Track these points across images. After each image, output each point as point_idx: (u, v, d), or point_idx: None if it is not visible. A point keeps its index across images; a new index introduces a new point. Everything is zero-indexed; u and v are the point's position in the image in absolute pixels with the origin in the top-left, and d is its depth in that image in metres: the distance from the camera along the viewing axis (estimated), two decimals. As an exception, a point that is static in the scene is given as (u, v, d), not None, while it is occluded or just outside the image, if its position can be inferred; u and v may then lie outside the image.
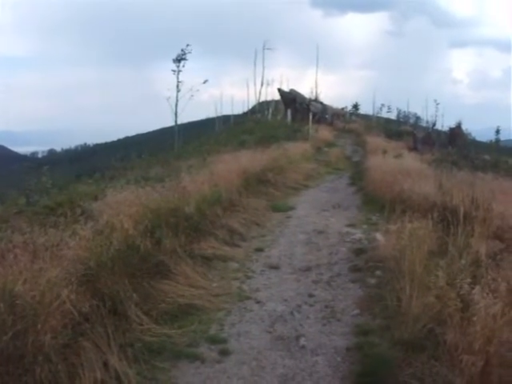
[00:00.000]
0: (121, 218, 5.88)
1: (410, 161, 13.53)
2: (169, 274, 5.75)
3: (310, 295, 5.64)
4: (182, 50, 17.04)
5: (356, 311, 5.18)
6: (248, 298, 5.57)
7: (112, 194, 7.24)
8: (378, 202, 10.05)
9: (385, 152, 14.88)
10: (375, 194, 10.72)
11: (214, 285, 5.85)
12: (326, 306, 5.33)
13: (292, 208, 10.58)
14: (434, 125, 32.17)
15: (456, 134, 26.48)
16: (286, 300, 5.51)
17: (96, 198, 7.84)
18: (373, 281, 5.91)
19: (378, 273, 6.07)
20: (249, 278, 6.23)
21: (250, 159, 12.82)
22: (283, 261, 6.91)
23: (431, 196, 8.66)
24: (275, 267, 6.62)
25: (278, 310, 5.24)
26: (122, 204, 6.72)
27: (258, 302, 5.45)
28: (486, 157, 19.38)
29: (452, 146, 23.82)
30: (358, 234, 8.01)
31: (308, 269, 6.54)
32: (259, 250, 7.40)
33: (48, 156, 74.64)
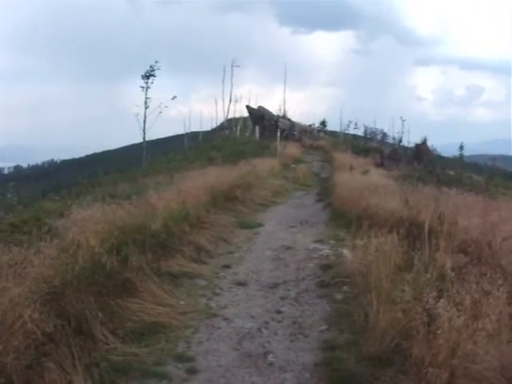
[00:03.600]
0: (86, 236, 5.80)
1: (377, 177, 13.71)
2: (135, 291, 5.68)
3: (278, 311, 5.63)
4: (151, 67, 16.99)
5: (324, 327, 5.19)
6: (215, 315, 5.53)
7: (78, 211, 7.12)
8: (346, 218, 10.13)
9: (352, 168, 15.07)
10: (342, 210, 10.80)
11: (181, 302, 5.79)
12: (294, 322, 5.32)
13: (260, 224, 10.59)
14: (401, 141, 32.67)
15: (422, 150, 26.92)
16: (253, 317, 5.48)
17: (62, 215, 7.71)
18: (340, 296, 5.94)
19: (345, 288, 6.10)
20: (216, 294, 6.19)
21: (217, 176, 12.81)
22: (251, 277, 6.89)
23: (397, 211, 8.78)
24: (243, 284, 6.59)
25: (245, 326, 5.21)
26: (88, 221, 6.64)
27: (225, 319, 5.41)
28: (451, 172, 19.74)
29: (418, 162, 24.22)
30: (326, 249, 8.06)
31: (275, 285, 6.54)
32: (227, 266, 7.37)
33: (14, 172, 73.25)
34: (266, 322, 5.32)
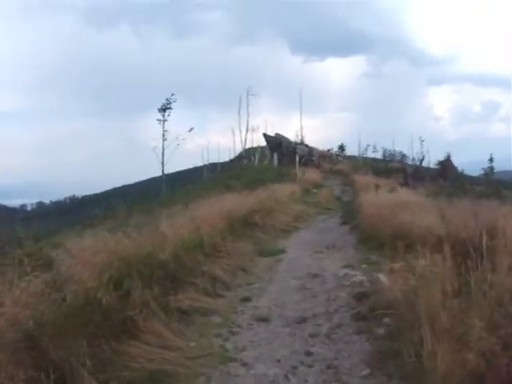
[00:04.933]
0: (79, 268, 4.96)
1: (405, 194, 12.71)
2: (137, 332, 4.78)
3: (308, 353, 4.64)
4: (167, 100, 17.17)
5: (365, 371, 4.19)
6: (232, 359, 4.57)
7: (75, 242, 6.29)
8: (376, 239, 9.17)
9: (378, 187, 14.08)
10: (371, 231, 9.82)
11: (192, 344, 4.86)
12: (328, 366, 4.33)
13: (282, 251, 9.62)
14: (423, 160, 31.79)
15: (446, 167, 26.00)
16: (278, 360, 4.51)
17: (58, 246, 6.90)
18: (381, 331, 4.94)
19: (386, 321, 5.10)
20: (233, 334, 5.22)
21: (235, 202, 11.98)
22: (274, 311, 5.91)
23: (435, 228, 7.83)
24: (265, 319, 5.62)
25: (268, 373, 4.24)
26: (87, 251, 5.81)
27: (244, 365, 4.45)
28: (480, 188, 18.70)
29: (443, 179, 23.26)
30: (358, 275, 7.05)
31: (303, 320, 5.54)
32: (246, 299, 6.40)
33: (37, 208, 73.67)
34: (294, 367, 4.34)
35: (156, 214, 14.30)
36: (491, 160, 20.66)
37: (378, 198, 11.97)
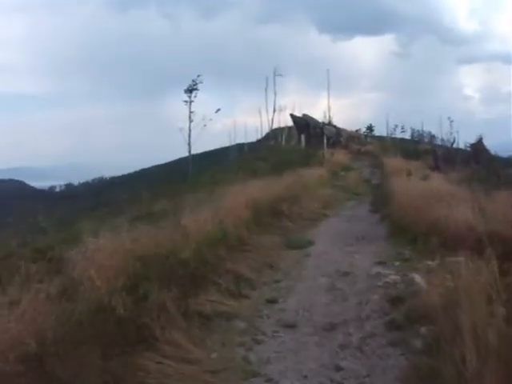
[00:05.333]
0: (91, 274, 4.65)
1: (438, 182, 12.10)
2: (154, 342, 4.45)
3: (338, 368, 4.24)
4: (193, 81, 17.09)
5: (402, 392, 3.80)
6: (256, 373, 4.21)
7: (91, 241, 5.97)
8: (409, 233, 8.67)
9: (409, 174, 13.49)
10: (404, 223, 9.27)
11: (213, 355, 4.52)
12: (360, 385, 3.96)
13: (310, 243, 9.20)
14: (454, 142, 30.90)
15: (479, 150, 25.19)
16: (305, 376, 4.12)
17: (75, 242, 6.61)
18: (419, 344, 4.49)
19: (423, 331, 4.65)
20: (258, 342, 4.85)
21: (262, 189, 11.55)
22: (301, 316, 5.51)
23: (474, 224, 7.34)
24: (291, 326, 5.23)
25: (295, 392, 3.89)
26: (103, 251, 5.50)
27: (268, 380, 4.10)
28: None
29: (476, 163, 22.52)
30: (391, 275, 6.55)
31: (333, 327, 5.14)
32: (272, 301, 6.01)
33: (65, 190, 74.63)
34: (323, 385, 3.98)
35: (180, 200, 14.08)
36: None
37: (411, 186, 11.40)
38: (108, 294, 4.58)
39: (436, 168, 21.44)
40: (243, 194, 10.41)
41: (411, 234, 8.41)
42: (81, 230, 8.28)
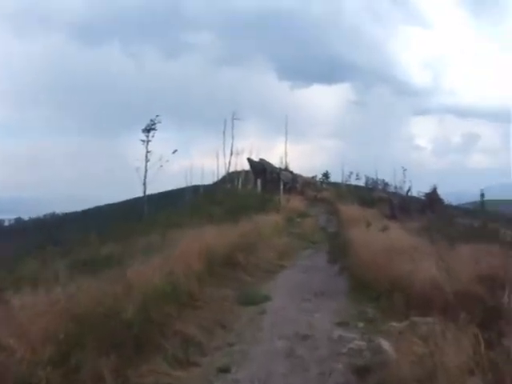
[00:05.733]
0: (10, 343, 3.95)
1: (398, 233, 11.80)
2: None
3: None
4: (151, 120, 16.81)
5: None
6: None
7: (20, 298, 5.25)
8: (371, 289, 8.23)
9: (369, 224, 13.18)
10: (365, 278, 8.82)
11: None
12: None
13: (266, 298, 8.56)
14: (409, 190, 31.36)
15: (433, 199, 25.49)
16: None
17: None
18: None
19: (396, 412, 4.14)
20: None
21: (216, 236, 10.97)
22: (257, 390, 4.91)
23: (440, 282, 6.96)
24: (246, 403, 4.63)
25: None
26: (29, 310, 4.80)
27: None
28: (472, 222, 18.11)
29: (431, 212, 22.68)
30: (356, 339, 5.99)
31: (293, 406, 4.56)
32: (224, 370, 5.28)
33: (15, 224, 71.71)
34: None
35: (131, 244, 13.37)
36: (482, 196, 20.14)
37: (370, 237, 11.04)
38: (31, 368, 3.90)
39: (392, 217, 21.41)
40: (197, 241, 9.83)
41: (373, 291, 7.98)
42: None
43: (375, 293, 7.83)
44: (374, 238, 10.88)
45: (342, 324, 6.85)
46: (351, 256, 10.86)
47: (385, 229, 12.04)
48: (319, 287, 9.44)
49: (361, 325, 6.73)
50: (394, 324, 6.42)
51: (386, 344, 5.45)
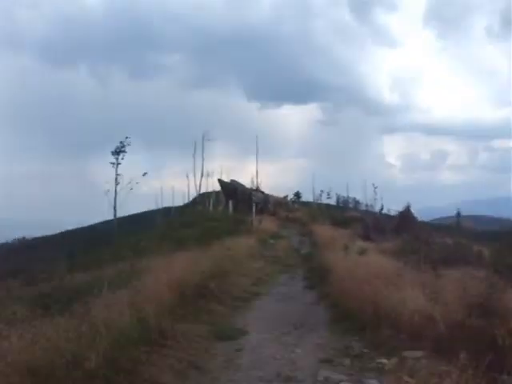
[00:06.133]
0: None
1: (376, 257, 11.38)
2: None
3: None
4: (121, 143, 16.34)
5: None
6: None
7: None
8: (353, 319, 7.77)
9: (346, 248, 12.72)
10: (347, 307, 8.34)
11: None
12: None
13: (242, 332, 7.93)
14: (382, 209, 31.31)
15: (406, 218, 25.26)
16: None
17: None
18: None
19: None
20: None
21: (187, 264, 10.39)
22: None
23: (429, 312, 6.52)
24: None
25: None
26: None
27: None
28: (447, 240, 17.92)
29: (405, 231, 22.43)
30: (343, 381, 5.45)
31: None
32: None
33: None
34: None
35: (99, 273, 12.73)
36: (458, 214, 20.01)
37: (349, 263, 10.56)
38: None
39: (366, 237, 21.10)
40: (167, 271, 9.24)
41: (357, 322, 7.49)
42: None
43: (359, 324, 7.34)
44: (354, 263, 10.42)
45: (326, 361, 6.29)
46: (330, 283, 10.39)
47: (363, 252, 11.61)
48: (298, 318, 8.88)
49: (347, 362, 6.19)
50: (383, 360, 5.95)
51: (377, 387, 4.97)
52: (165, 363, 5.90)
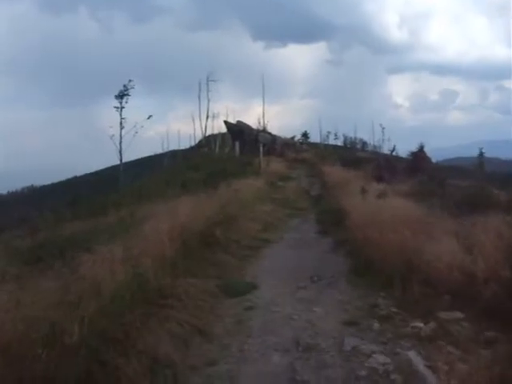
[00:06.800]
0: None
1: (398, 201, 10.34)
2: None
3: None
4: (124, 86, 16.09)
5: None
6: None
7: None
8: (377, 272, 6.85)
9: (364, 192, 11.71)
10: (368, 257, 7.40)
11: None
12: None
13: (252, 287, 7.11)
14: (394, 150, 30.19)
15: (420, 159, 24.20)
16: None
17: None
18: None
19: None
20: None
21: (192, 209, 9.47)
22: None
23: (466, 265, 5.63)
24: None
25: None
26: None
27: None
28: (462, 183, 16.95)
29: (420, 172, 21.42)
30: (375, 352, 4.55)
31: None
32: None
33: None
34: None
35: (98, 223, 12.06)
36: (481, 154, 18.84)
37: (369, 207, 9.55)
38: None
39: (379, 179, 20.14)
40: (170, 218, 8.38)
41: (382, 276, 6.58)
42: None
43: (385, 278, 6.43)
44: (373, 206, 9.44)
45: (351, 324, 5.42)
46: (347, 229, 9.47)
47: (382, 196, 10.62)
48: (314, 269, 8.00)
49: (376, 325, 5.30)
50: (418, 324, 5.09)
51: (418, 360, 4.09)
52: (164, 329, 5.05)
